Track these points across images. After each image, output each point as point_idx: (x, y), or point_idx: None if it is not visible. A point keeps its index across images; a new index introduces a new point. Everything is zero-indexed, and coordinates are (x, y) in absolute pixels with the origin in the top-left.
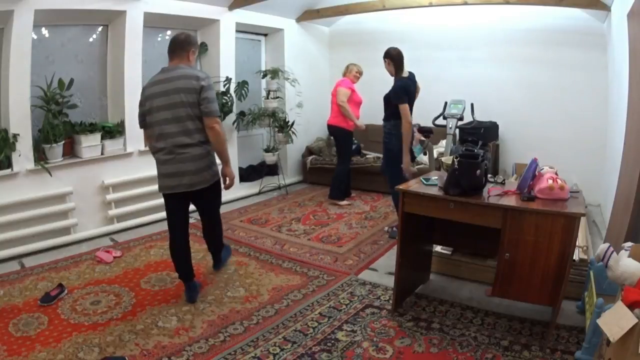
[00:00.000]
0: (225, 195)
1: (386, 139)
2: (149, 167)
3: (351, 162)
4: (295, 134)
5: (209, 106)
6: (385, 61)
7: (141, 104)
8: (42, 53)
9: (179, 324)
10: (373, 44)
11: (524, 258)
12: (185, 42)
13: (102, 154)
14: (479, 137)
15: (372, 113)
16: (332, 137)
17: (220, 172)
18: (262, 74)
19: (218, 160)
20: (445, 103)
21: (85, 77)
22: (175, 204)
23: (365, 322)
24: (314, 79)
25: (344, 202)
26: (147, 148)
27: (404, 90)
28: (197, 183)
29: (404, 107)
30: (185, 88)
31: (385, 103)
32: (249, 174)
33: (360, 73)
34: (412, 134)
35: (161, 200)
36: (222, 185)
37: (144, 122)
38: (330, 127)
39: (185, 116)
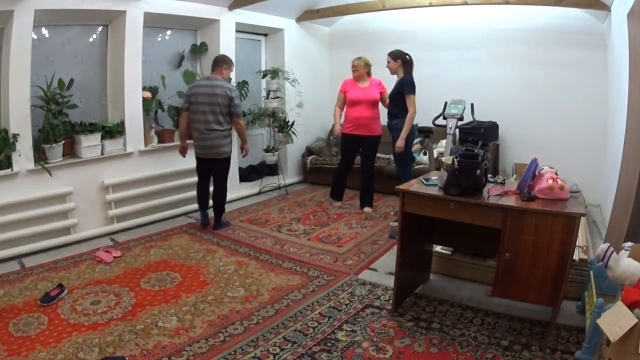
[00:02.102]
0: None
1: (399, 135)
2: (149, 167)
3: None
4: (295, 134)
5: (236, 109)
6: (396, 62)
7: (188, 96)
8: (42, 53)
9: (179, 324)
10: (373, 44)
11: (524, 258)
12: (220, 60)
13: (102, 154)
14: (479, 137)
15: None
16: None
17: (240, 147)
18: (262, 74)
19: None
20: (445, 103)
21: (85, 77)
22: (203, 165)
23: (365, 322)
24: (314, 79)
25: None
26: (178, 126)
27: (413, 84)
28: (219, 153)
29: (413, 98)
30: (222, 95)
31: (393, 102)
32: (249, 174)
33: (354, 65)
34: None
35: (161, 200)
36: (242, 154)
37: (187, 107)
38: None
39: (219, 111)
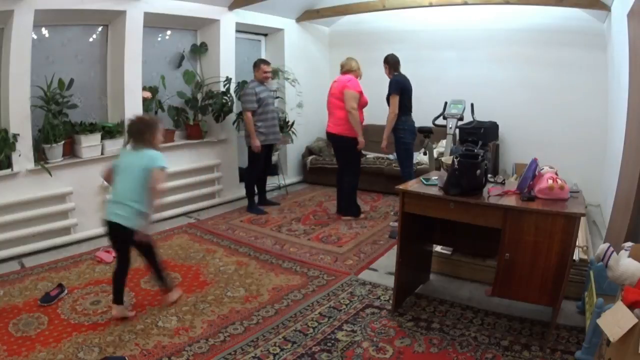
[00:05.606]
0: (226, 195)
1: (401, 134)
2: None
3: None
4: (295, 134)
5: (242, 105)
6: (385, 67)
7: None
8: (42, 53)
9: (179, 324)
10: (373, 44)
11: (524, 258)
12: (253, 65)
13: (102, 154)
14: (479, 137)
15: (374, 113)
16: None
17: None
18: None
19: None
20: (445, 103)
21: (85, 77)
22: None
23: (365, 322)
24: (314, 79)
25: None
26: None
27: (397, 84)
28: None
29: (395, 98)
30: None
31: (388, 103)
32: None
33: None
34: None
35: (161, 201)
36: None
37: None
38: (335, 137)
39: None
